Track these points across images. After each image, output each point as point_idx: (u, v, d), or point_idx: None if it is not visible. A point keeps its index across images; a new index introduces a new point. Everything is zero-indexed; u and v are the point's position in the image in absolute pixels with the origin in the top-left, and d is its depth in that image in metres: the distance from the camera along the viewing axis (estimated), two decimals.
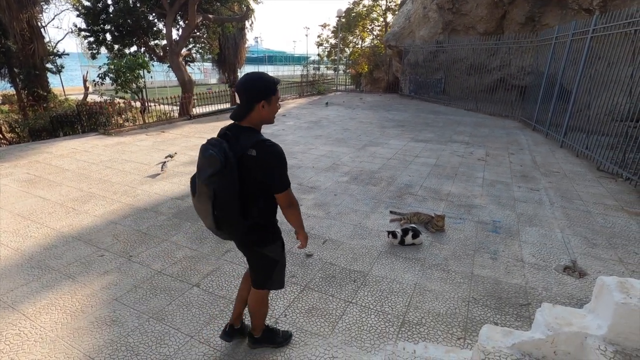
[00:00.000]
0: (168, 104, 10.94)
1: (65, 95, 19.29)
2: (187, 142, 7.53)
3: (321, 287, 2.77)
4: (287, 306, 2.54)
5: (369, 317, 2.45)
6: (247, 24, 20.12)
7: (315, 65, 25.47)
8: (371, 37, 26.85)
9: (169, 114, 11.23)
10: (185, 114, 11.01)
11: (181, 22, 15.02)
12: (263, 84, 1.59)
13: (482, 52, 13.17)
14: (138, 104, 10.49)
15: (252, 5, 15.99)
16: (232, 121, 1.69)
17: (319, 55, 30.33)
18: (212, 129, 9.07)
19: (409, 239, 3.36)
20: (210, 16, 13.40)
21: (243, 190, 1.61)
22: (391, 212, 4.14)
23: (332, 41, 28.09)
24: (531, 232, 3.67)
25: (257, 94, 1.58)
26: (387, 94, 18.43)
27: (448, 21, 15.00)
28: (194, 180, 1.72)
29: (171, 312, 2.47)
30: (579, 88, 7.00)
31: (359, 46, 26.92)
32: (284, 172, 1.62)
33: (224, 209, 1.63)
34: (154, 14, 14.33)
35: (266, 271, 1.88)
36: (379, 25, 26.02)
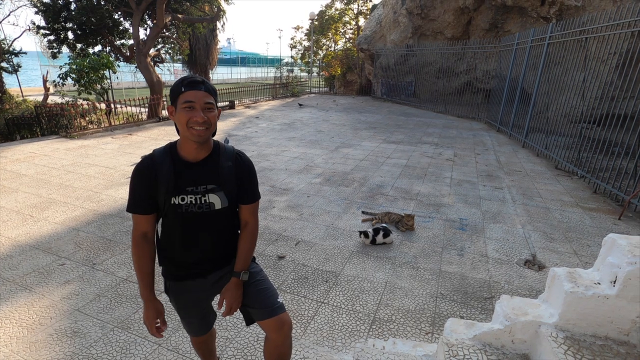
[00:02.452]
0: (136, 105, 10.57)
1: (23, 96, 18.21)
2: (157, 145, 7.30)
3: (293, 288, 2.77)
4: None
5: (340, 316, 2.47)
6: (219, 24, 19.85)
7: (289, 68, 25.44)
8: (344, 40, 27.17)
9: (137, 116, 10.86)
10: (155, 116, 10.67)
11: (149, 22, 14.58)
12: (173, 85, 1.29)
13: (449, 57, 13.66)
14: (103, 106, 10.07)
15: (224, 5, 15.77)
16: None
17: (292, 57, 30.35)
18: None
19: (380, 238, 3.42)
20: (180, 16, 13.09)
21: None
22: (363, 212, 4.20)
23: (306, 43, 28.20)
24: (495, 229, 3.84)
25: (170, 101, 1.32)
26: (359, 97, 18.70)
27: (417, 26, 15.44)
28: None
29: (137, 320, 2.39)
30: (538, 91, 7.42)
31: (332, 49, 27.17)
32: (130, 192, 1.34)
33: None
34: (119, 13, 13.82)
35: None
36: (351, 29, 26.37)
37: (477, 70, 13.45)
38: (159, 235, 1.45)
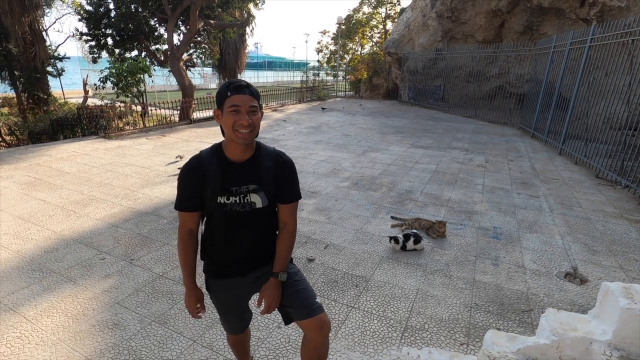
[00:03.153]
0: (168, 108, 10.97)
1: (64, 98, 19.33)
2: (188, 147, 7.53)
3: (324, 292, 2.77)
4: None
5: (371, 322, 2.44)
6: (248, 29, 20.25)
7: (315, 72, 25.63)
8: (370, 44, 27.09)
9: (169, 118, 11.27)
10: (186, 118, 11.03)
11: (182, 28, 15.13)
12: (219, 89, 1.33)
13: (481, 60, 13.31)
14: (139, 108, 10.52)
15: (253, 11, 16.13)
16: None
17: (318, 61, 30.56)
18: (212, 134, 9.10)
19: (410, 244, 3.37)
20: (212, 22, 13.50)
21: None
22: (392, 217, 4.15)
23: (332, 47, 28.32)
24: (532, 239, 3.69)
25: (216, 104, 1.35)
26: (386, 101, 18.54)
27: (447, 29, 15.17)
28: None
29: (173, 315, 2.46)
30: (577, 96, 7.08)
31: (359, 53, 27.15)
32: (178, 191, 1.42)
33: None
34: (155, 19, 14.42)
35: None
36: (378, 33, 26.27)
37: (510, 74, 13.02)
38: (202, 232, 1.50)
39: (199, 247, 1.49)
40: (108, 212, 4.17)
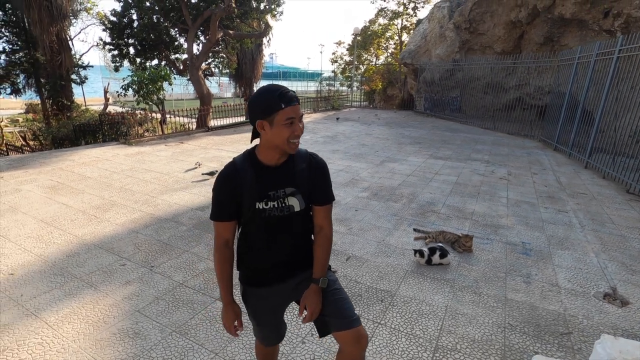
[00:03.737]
0: (185, 116, 11.12)
1: (86, 105, 19.89)
2: (206, 154, 7.58)
3: None
4: (311, 327, 2.44)
5: (399, 340, 2.33)
6: (265, 40, 20.57)
7: (330, 82, 25.78)
8: (385, 54, 27.15)
9: (186, 126, 11.43)
10: (203, 126, 11.17)
11: (202, 38, 15.47)
12: (263, 98, 1.22)
13: (499, 71, 13.13)
14: (158, 115, 10.71)
15: (271, 22, 16.39)
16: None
17: (333, 71, 30.78)
18: (230, 142, 9.15)
19: (436, 258, 3.24)
20: (231, 32, 13.75)
21: None
22: (415, 230, 4.03)
23: (347, 58, 28.49)
24: (564, 256, 3.51)
25: (253, 114, 1.25)
26: (401, 111, 18.45)
27: (465, 40, 15.07)
28: None
29: (194, 326, 2.39)
30: (604, 109, 6.86)
31: (373, 64, 27.21)
32: (214, 200, 1.35)
33: None
34: (176, 29, 14.80)
35: None
36: (393, 44, 26.33)
37: (530, 85, 12.79)
38: (238, 241, 1.45)
39: (235, 256, 1.44)
40: (128, 217, 4.17)
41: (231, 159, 1.36)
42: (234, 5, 11.99)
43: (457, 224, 4.24)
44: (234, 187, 1.30)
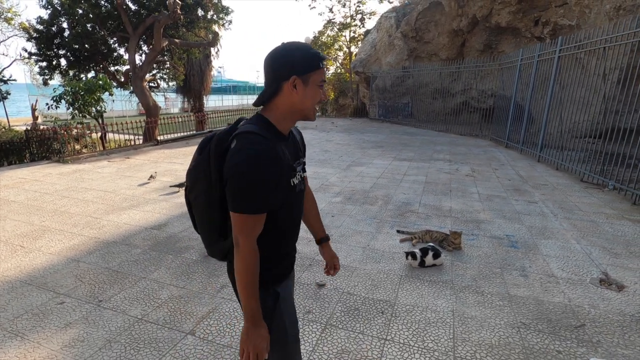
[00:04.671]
0: (128, 134, 9.96)
1: (10, 126, 17.66)
2: (157, 168, 6.84)
3: (346, 323, 2.31)
4: (311, 351, 2.05)
5: (413, 357, 2.01)
6: (213, 51, 19.89)
7: None
8: (335, 65, 27.60)
9: (132, 141, 10.40)
10: (151, 139, 10.25)
11: (144, 47, 14.45)
12: (300, 53, 1.02)
13: (446, 77, 13.76)
14: (93, 135, 9.60)
15: (221, 31, 15.81)
16: None
17: None
18: (182, 154, 8.44)
19: (429, 259, 3.01)
20: (177, 41, 12.98)
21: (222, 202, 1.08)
22: (398, 231, 3.80)
23: None
24: (549, 245, 3.46)
25: (286, 68, 1.02)
26: (355, 118, 18.66)
27: (412, 48, 15.68)
28: None
29: None
30: (551, 106, 7.30)
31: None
32: (240, 186, 0.98)
33: (199, 218, 1.15)
34: (114, 39, 13.67)
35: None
36: (342, 54, 26.86)
37: (474, 90, 13.55)
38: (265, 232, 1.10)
39: (269, 249, 1.13)
40: (66, 244, 3.46)
41: (248, 131, 1.01)
42: (179, 12, 11.31)
43: (438, 222, 4.09)
44: (281, 165, 1.04)
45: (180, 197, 4.93)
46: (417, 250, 3.04)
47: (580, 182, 5.88)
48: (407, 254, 3.03)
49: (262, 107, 1.11)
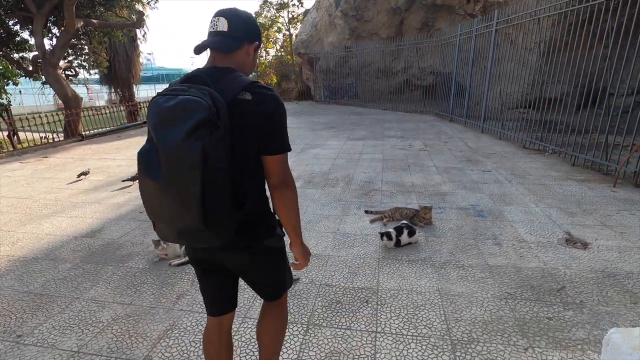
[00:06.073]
0: (44, 131, 8.39)
1: None
2: (85, 166, 5.92)
3: (330, 319, 2.06)
4: (296, 359, 1.78)
5: (408, 347, 1.83)
6: (140, 34, 18.00)
7: None
8: (275, 48, 26.69)
9: (50, 138, 8.98)
10: (75, 135, 8.97)
11: (55, 30, 12.53)
12: (257, 25, 1.17)
13: (387, 56, 13.88)
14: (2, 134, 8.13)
15: (146, 11, 14.24)
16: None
17: None
18: (114, 149, 7.47)
19: (404, 238, 2.86)
20: (95, 21, 11.41)
21: (233, 159, 1.00)
22: (366, 212, 3.62)
23: None
24: (512, 211, 3.52)
25: (255, 34, 1.15)
26: (301, 101, 18.27)
27: (353, 27, 15.53)
28: (148, 156, 0.97)
29: None
30: (491, 80, 7.61)
31: (265, 58, 26.49)
32: (285, 127, 1.13)
33: (217, 187, 0.96)
34: (15, 20, 11.64)
35: (277, 268, 1.31)
36: (282, 36, 26.01)
37: (414, 67, 13.86)
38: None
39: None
40: None
41: (269, 87, 1.11)
42: None
43: (404, 198, 3.98)
44: None
45: (117, 197, 4.27)
46: (391, 230, 2.87)
47: (523, 149, 6.21)
48: (382, 234, 2.85)
49: (215, 54, 1.11)
